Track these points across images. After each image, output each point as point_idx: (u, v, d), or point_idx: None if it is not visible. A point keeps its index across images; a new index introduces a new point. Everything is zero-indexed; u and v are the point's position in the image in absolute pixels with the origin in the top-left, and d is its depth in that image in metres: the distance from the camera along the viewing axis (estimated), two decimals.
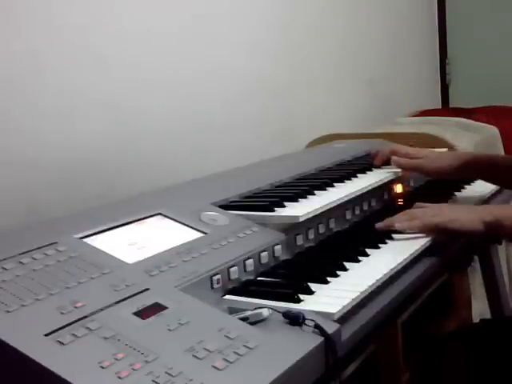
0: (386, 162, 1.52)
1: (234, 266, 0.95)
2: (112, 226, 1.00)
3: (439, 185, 1.66)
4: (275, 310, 0.81)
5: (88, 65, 1.47)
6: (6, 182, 1.30)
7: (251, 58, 2.01)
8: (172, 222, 1.06)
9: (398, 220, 1.18)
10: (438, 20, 3.47)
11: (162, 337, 0.72)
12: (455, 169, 1.46)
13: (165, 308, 0.78)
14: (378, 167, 1.51)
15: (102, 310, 0.76)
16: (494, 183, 1.57)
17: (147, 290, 0.82)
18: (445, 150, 1.75)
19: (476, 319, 2.07)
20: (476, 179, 1.63)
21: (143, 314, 0.76)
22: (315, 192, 1.25)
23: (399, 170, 1.48)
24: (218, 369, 0.67)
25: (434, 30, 3.46)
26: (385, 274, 0.98)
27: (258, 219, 1.10)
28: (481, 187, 1.59)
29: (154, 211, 1.07)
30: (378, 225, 1.19)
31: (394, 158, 1.49)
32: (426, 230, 1.16)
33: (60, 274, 0.82)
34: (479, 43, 3.38)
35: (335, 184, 1.33)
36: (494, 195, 1.57)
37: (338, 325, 0.81)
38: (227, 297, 0.92)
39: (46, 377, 0.65)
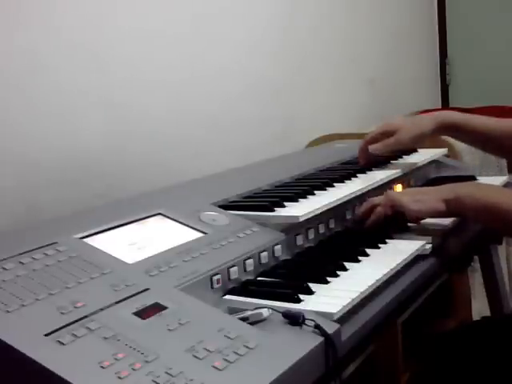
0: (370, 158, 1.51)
1: (234, 266, 0.95)
2: (112, 225, 1.00)
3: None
4: (275, 310, 0.81)
5: (88, 65, 1.47)
6: (5, 182, 1.30)
7: (251, 58, 2.01)
8: (172, 221, 1.06)
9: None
10: (438, 20, 3.47)
11: (162, 337, 0.72)
12: (432, 131, 1.47)
13: (165, 308, 0.78)
14: (369, 167, 1.50)
15: (102, 309, 0.76)
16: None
17: (147, 289, 0.82)
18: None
19: (476, 319, 2.07)
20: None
21: (143, 314, 0.76)
22: (315, 192, 1.25)
23: (399, 170, 1.47)
24: (218, 369, 0.67)
25: (434, 30, 3.46)
26: (385, 275, 0.98)
27: (258, 219, 1.10)
28: None
29: (154, 211, 1.07)
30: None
31: (370, 147, 1.47)
32: (389, 203, 1.20)
33: (60, 274, 0.82)
34: (479, 43, 3.38)
35: (335, 184, 1.33)
36: None
37: (338, 325, 0.81)
38: (227, 297, 0.92)
39: (46, 377, 0.65)
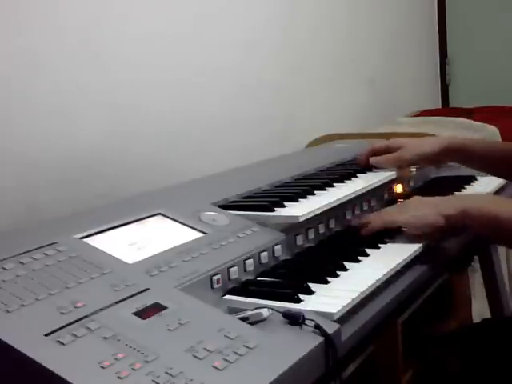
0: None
1: (234, 266, 0.95)
2: (112, 225, 1.00)
3: (439, 185, 1.66)
4: (275, 310, 0.81)
5: (88, 65, 1.47)
6: (5, 182, 1.30)
7: (251, 57, 2.01)
8: (172, 221, 1.06)
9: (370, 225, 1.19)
10: (438, 20, 3.47)
11: (162, 337, 0.72)
12: (437, 154, 1.46)
13: (165, 308, 0.78)
14: (369, 168, 1.50)
15: (102, 309, 0.76)
16: (477, 169, 1.57)
17: (147, 289, 0.82)
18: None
19: (476, 319, 2.07)
20: (463, 166, 1.64)
21: (143, 314, 0.76)
22: (315, 192, 1.25)
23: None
24: (218, 369, 0.67)
25: (434, 30, 3.46)
26: (385, 275, 0.98)
27: (258, 219, 1.10)
28: (481, 187, 1.59)
29: (154, 211, 1.07)
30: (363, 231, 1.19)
31: (372, 159, 1.48)
32: (383, 225, 1.17)
33: (60, 274, 0.82)
34: (479, 43, 3.38)
35: (335, 184, 1.33)
36: (495, 194, 1.56)
37: (338, 325, 0.81)
38: (227, 297, 0.92)
39: (46, 377, 0.65)
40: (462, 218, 1.14)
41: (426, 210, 1.16)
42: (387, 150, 1.49)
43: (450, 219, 1.14)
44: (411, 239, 1.16)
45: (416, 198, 1.25)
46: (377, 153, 1.50)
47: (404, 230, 1.19)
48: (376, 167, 1.49)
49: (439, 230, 1.16)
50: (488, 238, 1.29)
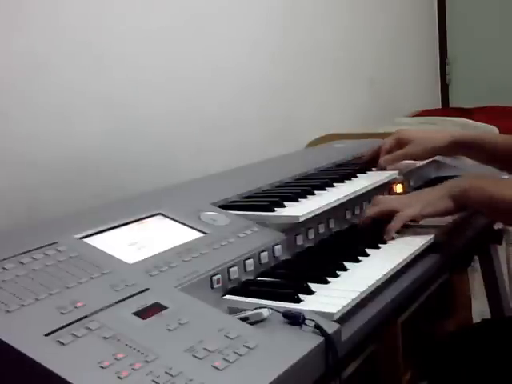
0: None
1: (233, 266, 0.95)
2: (112, 225, 1.00)
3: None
4: (275, 310, 0.81)
5: (88, 65, 1.47)
6: (5, 182, 1.30)
7: (251, 57, 2.01)
8: (172, 222, 1.06)
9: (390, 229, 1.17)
10: (438, 20, 3.47)
11: (162, 337, 0.72)
12: (446, 148, 1.46)
13: (165, 308, 0.78)
14: (369, 167, 1.49)
15: (102, 310, 0.76)
16: (485, 164, 1.55)
17: (147, 290, 0.82)
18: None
19: (476, 319, 2.07)
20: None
21: (143, 314, 0.76)
22: (315, 192, 1.25)
23: (399, 170, 1.47)
24: (218, 369, 0.67)
25: (434, 30, 3.46)
26: (385, 274, 0.98)
27: (258, 219, 1.10)
28: None
29: (154, 211, 1.07)
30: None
31: (381, 160, 1.47)
32: (400, 224, 1.17)
33: (60, 274, 0.82)
34: (479, 43, 3.38)
35: (335, 184, 1.33)
36: None
37: (338, 325, 0.81)
38: (227, 297, 0.92)
39: (46, 377, 0.65)
40: (464, 196, 1.16)
41: (437, 193, 1.18)
42: (397, 145, 1.48)
43: (455, 199, 1.16)
44: (413, 236, 1.17)
45: (415, 192, 1.25)
46: (388, 152, 1.49)
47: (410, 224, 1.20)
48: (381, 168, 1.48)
49: (450, 212, 1.18)
50: (486, 215, 1.30)
